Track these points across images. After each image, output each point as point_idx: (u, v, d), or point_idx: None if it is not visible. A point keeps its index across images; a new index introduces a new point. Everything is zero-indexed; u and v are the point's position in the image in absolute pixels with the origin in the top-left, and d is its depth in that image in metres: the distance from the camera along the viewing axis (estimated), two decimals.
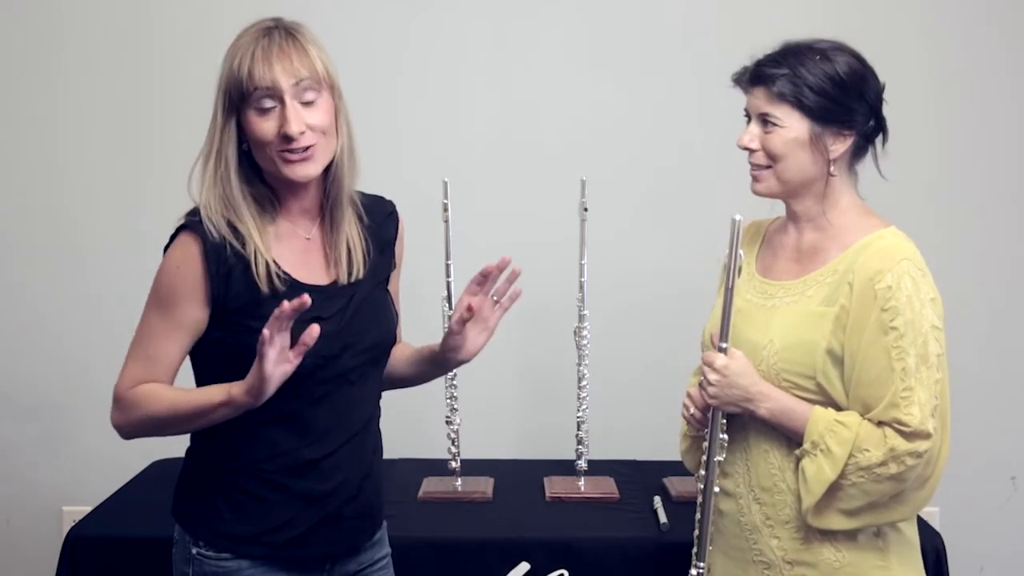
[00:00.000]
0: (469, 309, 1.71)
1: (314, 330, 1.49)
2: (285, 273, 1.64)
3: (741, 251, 1.65)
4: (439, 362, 1.83)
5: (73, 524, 2.36)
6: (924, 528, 2.27)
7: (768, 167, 1.72)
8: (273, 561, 1.69)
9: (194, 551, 1.69)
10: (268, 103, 1.59)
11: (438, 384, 2.28)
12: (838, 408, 1.66)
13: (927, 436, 1.59)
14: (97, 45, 2.97)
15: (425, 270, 2.59)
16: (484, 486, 2.57)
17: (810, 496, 1.65)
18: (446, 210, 2.35)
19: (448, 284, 2.38)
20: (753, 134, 1.73)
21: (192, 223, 1.62)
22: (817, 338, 1.66)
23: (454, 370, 2.45)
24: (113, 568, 2.27)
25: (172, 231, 1.66)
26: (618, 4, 2.97)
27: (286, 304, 1.46)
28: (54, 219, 3.02)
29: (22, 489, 3.08)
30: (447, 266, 2.38)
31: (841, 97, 1.68)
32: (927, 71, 2.94)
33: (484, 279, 1.74)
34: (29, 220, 3.03)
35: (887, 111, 1.76)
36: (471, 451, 2.61)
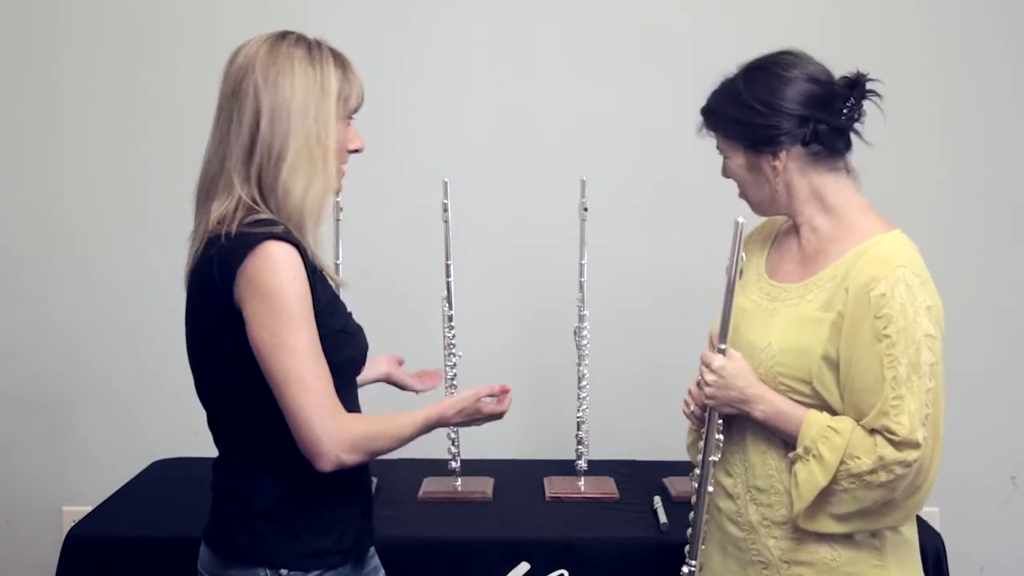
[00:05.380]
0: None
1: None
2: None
3: (743, 254, 1.66)
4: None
5: (73, 524, 2.35)
6: (924, 528, 2.27)
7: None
8: (342, 567, 1.69)
9: None
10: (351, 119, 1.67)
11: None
12: (833, 412, 1.66)
13: (916, 445, 1.58)
14: (97, 45, 2.97)
15: (425, 270, 2.59)
16: (484, 486, 2.57)
17: (801, 501, 1.65)
18: (446, 210, 2.35)
19: (448, 284, 2.38)
20: (722, 164, 1.80)
21: (279, 233, 1.55)
22: (814, 343, 1.66)
23: (454, 371, 2.46)
24: (113, 568, 2.27)
25: (239, 244, 1.54)
26: (618, 4, 2.97)
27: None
28: (55, 217, 3.02)
29: (22, 489, 3.08)
30: (447, 266, 2.38)
31: (756, 120, 1.70)
32: (928, 71, 2.94)
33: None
34: (30, 218, 3.03)
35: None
36: (471, 451, 2.61)
